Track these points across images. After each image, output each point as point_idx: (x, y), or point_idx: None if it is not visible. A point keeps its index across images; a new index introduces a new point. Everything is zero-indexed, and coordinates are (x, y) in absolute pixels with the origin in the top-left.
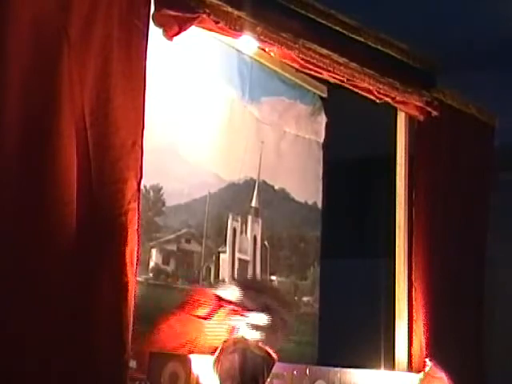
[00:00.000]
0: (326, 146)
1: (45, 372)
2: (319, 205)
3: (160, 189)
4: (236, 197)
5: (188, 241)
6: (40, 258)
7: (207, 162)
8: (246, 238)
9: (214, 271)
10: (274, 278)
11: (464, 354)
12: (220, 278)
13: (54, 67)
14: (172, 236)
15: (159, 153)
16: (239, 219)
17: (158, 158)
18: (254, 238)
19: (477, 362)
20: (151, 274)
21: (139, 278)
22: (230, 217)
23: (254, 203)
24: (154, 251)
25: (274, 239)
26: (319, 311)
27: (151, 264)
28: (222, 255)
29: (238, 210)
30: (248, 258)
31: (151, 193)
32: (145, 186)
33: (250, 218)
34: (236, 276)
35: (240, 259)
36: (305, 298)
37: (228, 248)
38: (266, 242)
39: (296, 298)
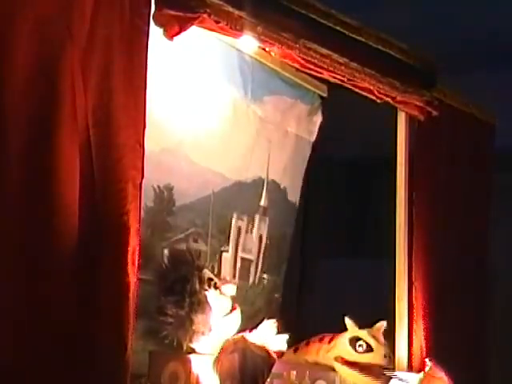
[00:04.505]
0: (327, 146)
1: (46, 371)
2: (297, 204)
3: (171, 188)
4: (242, 196)
5: (195, 240)
6: (41, 257)
7: (212, 160)
8: (251, 237)
9: (217, 270)
10: (265, 276)
11: (464, 353)
12: (221, 276)
13: (57, 67)
14: (181, 235)
15: (169, 153)
16: (245, 218)
17: (168, 158)
18: (260, 237)
19: (477, 362)
20: None
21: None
22: (235, 216)
23: (263, 202)
24: (165, 251)
25: (272, 238)
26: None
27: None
28: (224, 254)
29: (245, 208)
30: (252, 257)
31: (165, 193)
32: (158, 186)
33: (257, 216)
34: None
35: (243, 258)
36: (276, 295)
37: (231, 247)
38: (268, 241)
39: (276, 295)
